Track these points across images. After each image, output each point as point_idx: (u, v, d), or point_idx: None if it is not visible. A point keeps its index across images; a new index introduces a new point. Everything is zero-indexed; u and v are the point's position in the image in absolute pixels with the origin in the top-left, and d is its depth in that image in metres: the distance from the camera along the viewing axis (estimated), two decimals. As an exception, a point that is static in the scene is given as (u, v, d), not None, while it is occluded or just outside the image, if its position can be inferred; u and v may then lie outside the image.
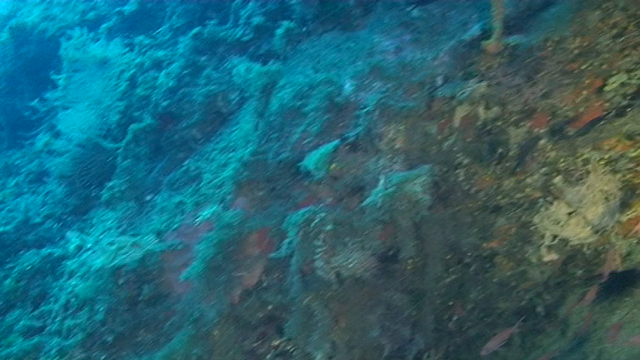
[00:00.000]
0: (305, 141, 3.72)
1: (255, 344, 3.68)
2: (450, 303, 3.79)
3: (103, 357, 3.96)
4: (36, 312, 4.62)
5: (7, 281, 4.87)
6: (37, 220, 5.14)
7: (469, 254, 3.59)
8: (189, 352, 3.63)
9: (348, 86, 3.72)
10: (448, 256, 3.59)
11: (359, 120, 3.50)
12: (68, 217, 5.18)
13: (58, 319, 4.44)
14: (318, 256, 3.35)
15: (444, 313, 3.82)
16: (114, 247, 3.97)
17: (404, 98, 3.47)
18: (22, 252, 5.13)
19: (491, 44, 3.23)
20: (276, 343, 3.66)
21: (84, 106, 5.04)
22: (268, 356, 3.66)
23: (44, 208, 5.27)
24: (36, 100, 5.92)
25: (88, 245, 4.82)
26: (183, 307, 3.82)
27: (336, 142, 3.51)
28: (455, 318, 3.85)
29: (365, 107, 3.47)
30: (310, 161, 3.51)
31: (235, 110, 4.86)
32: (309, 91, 3.85)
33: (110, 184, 4.71)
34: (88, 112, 5.05)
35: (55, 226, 5.12)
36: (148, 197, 4.71)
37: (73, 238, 4.98)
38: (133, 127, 4.60)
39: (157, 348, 3.82)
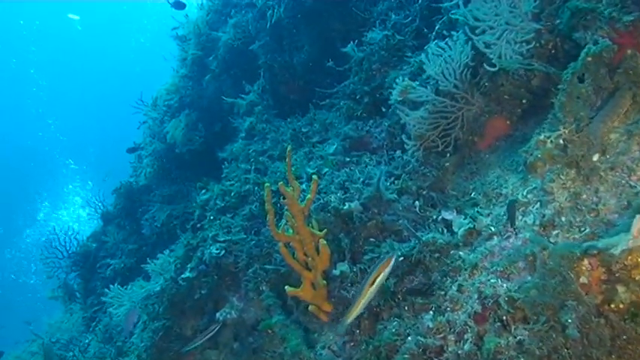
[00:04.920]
0: None
1: None
2: None
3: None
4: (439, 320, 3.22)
5: (389, 282, 3.52)
6: (390, 195, 3.76)
7: None
8: None
9: None
10: None
11: None
12: (429, 192, 3.76)
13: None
14: None
15: None
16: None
17: None
18: (372, 239, 3.79)
19: None
20: None
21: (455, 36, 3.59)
22: None
23: (392, 181, 3.91)
24: (350, 46, 4.64)
25: (491, 229, 3.35)
26: None
27: None
28: None
29: None
30: None
31: None
32: None
33: (541, 137, 3.16)
34: (465, 46, 3.59)
35: (416, 203, 3.71)
36: (595, 157, 3.13)
37: (457, 219, 3.54)
38: (589, 50, 2.99)
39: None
